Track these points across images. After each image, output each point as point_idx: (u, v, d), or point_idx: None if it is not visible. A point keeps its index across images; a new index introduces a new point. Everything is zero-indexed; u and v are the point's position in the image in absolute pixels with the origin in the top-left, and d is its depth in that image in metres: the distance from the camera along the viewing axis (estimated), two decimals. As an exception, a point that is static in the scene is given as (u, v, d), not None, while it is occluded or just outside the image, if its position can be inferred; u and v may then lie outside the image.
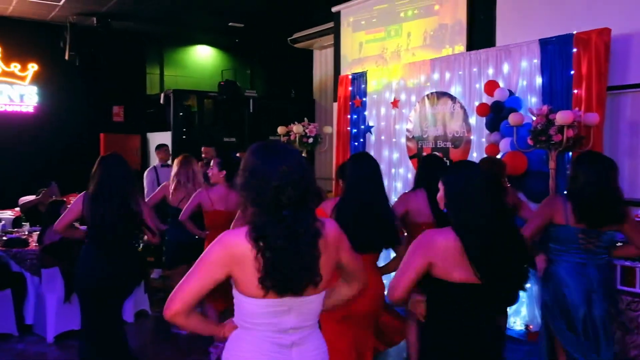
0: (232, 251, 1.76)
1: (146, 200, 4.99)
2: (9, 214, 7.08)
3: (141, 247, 3.96)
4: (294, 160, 1.80)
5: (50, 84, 9.26)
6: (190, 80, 10.83)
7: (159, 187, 4.90)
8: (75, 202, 3.67)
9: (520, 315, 4.79)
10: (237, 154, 6.66)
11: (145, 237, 3.96)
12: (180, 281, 1.81)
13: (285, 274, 1.72)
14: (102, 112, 9.76)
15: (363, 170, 3.11)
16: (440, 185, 2.31)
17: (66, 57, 8.75)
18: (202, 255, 1.81)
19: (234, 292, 1.83)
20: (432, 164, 3.99)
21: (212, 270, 1.77)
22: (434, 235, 2.20)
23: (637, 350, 3.50)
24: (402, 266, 2.23)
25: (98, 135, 9.44)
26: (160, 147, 7.32)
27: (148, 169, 7.37)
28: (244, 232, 1.76)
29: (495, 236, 2.13)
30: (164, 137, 8.68)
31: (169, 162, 7.21)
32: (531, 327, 4.64)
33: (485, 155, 5.09)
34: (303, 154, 6.53)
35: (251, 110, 9.28)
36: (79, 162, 9.04)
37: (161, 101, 9.17)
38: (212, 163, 4.61)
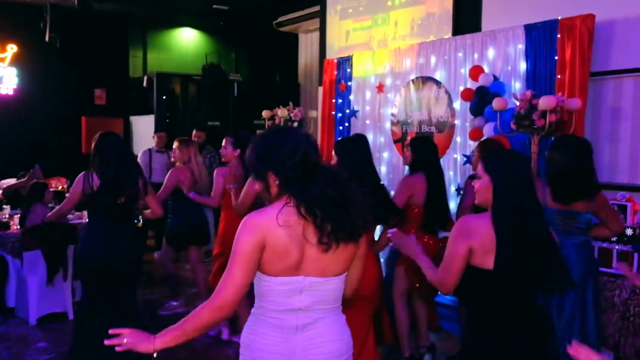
0: (262, 233, 1.78)
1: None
2: (-12, 197, 6.99)
3: (141, 222, 3.98)
4: (305, 132, 2.00)
5: (30, 65, 9.08)
6: (173, 63, 10.71)
7: (169, 174, 4.83)
8: (74, 187, 3.64)
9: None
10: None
11: (147, 212, 4.02)
12: (224, 277, 1.81)
13: (339, 222, 1.80)
14: (83, 95, 9.61)
15: (359, 145, 3.44)
16: (483, 174, 2.25)
17: (46, 39, 8.58)
18: (235, 247, 1.81)
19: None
20: (428, 148, 4.19)
21: (250, 260, 1.79)
22: (473, 220, 2.22)
23: (612, 328, 3.58)
24: (446, 258, 2.20)
25: (80, 118, 9.31)
26: (158, 132, 7.40)
27: (142, 151, 7.40)
28: (271, 212, 1.80)
29: (531, 226, 2.14)
30: (147, 121, 8.61)
31: (163, 149, 7.25)
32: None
33: (469, 140, 5.14)
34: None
35: (235, 94, 9.22)
36: (61, 145, 8.96)
37: (144, 84, 9.06)
38: (224, 142, 4.56)
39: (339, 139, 3.66)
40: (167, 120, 8.89)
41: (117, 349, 1.75)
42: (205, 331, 1.89)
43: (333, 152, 3.39)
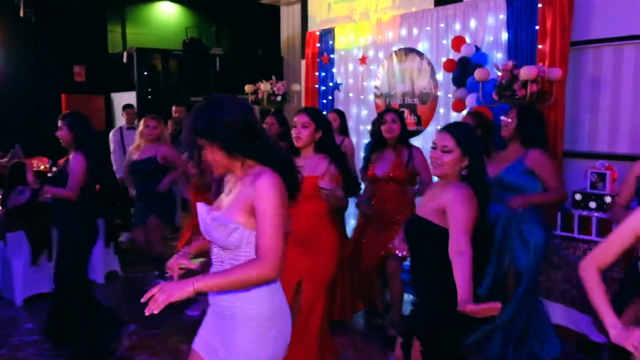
0: (283, 191, 1.88)
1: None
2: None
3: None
4: (238, 98, 2.05)
5: (4, 42, 8.86)
6: (153, 39, 10.52)
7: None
8: (81, 167, 3.61)
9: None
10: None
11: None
12: (270, 241, 1.79)
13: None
14: (62, 72, 9.42)
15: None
16: (455, 148, 2.40)
17: (21, 14, 8.35)
18: (273, 207, 1.82)
19: (251, 233, 1.89)
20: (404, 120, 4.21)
21: (284, 215, 1.85)
22: None
23: (567, 285, 3.69)
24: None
25: (59, 96, 9.15)
26: (126, 108, 7.18)
27: (114, 130, 7.26)
28: (272, 173, 1.87)
29: None
30: (129, 98, 8.48)
31: (135, 123, 7.09)
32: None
33: (452, 112, 5.16)
34: (272, 112, 6.50)
35: (217, 69, 9.09)
36: (40, 124, 8.79)
37: (124, 60, 8.89)
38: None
39: (309, 107, 3.66)
40: (149, 97, 8.77)
41: (155, 311, 1.73)
42: (246, 287, 1.86)
43: (305, 118, 3.14)
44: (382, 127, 4.01)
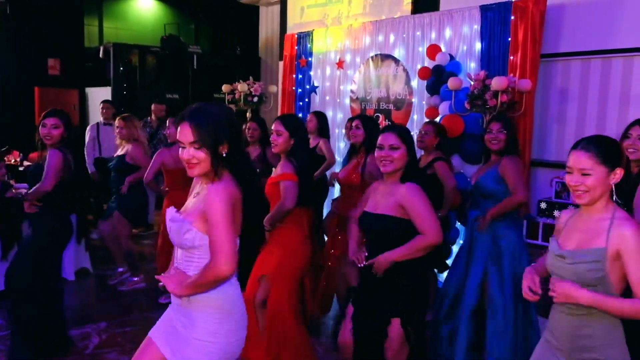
0: (233, 198, 1.95)
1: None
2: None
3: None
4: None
5: (-22, 33, 8.69)
6: (131, 34, 10.41)
7: (156, 155, 4.82)
8: (55, 166, 3.57)
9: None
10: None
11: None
12: (219, 241, 1.90)
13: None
14: (36, 64, 9.26)
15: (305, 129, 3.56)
16: (401, 144, 2.70)
17: (-5, 5, 8.23)
18: (218, 214, 1.91)
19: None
20: (377, 127, 4.23)
21: (231, 220, 1.94)
22: None
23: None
24: None
25: (32, 89, 9.01)
26: (104, 103, 7.08)
27: (90, 125, 7.18)
28: (230, 181, 1.98)
29: None
30: (104, 93, 8.40)
31: (112, 120, 7.03)
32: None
33: (426, 119, 5.26)
34: (248, 113, 6.52)
35: (195, 67, 9.07)
36: (12, 117, 8.67)
37: (100, 55, 8.80)
38: (168, 122, 4.62)
39: (284, 115, 3.69)
40: (125, 92, 8.70)
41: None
42: (210, 288, 2.01)
43: (280, 127, 3.30)
44: (350, 133, 4.12)
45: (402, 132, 2.75)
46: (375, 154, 2.78)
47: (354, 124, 4.10)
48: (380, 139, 2.74)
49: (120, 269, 5.32)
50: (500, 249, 3.45)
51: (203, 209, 1.97)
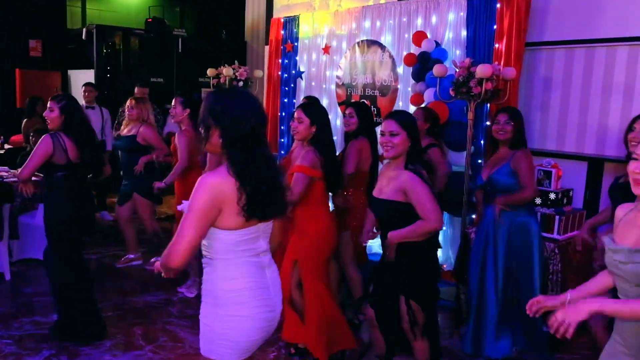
0: (218, 191, 1.92)
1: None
2: None
3: None
4: (259, 103, 2.09)
5: (-43, 12, 8.50)
6: (115, 16, 10.28)
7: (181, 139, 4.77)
8: (41, 147, 3.54)
9: (435, 257, 5.12)
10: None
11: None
12: (178, 234, 1.91)
13: (266, 202, 1.99)
14: (17, 46, 9.10)
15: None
16: (401, 130, 2.81)
17: (-26, -17, 8.04)
18: (191, 205, 1.92)
19: (212, 230, 1.98)
20: (370, 113, 4.29)
21: (205, 217, 1.93)
22: None
23: None
24: None
25: (14, 70, 8.85)
26: (86, 87, 6.97)
27: None
28: (224, 171, 1.94)
29: None
30: (87, 76, 8.28)
31: (95, 104, 6.95)
32: (444, 266, 4.98)
33: (411, 105, 5.27)
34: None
35: (180, 51, 8.97)
36: (-7, 98, 8.53)
37: (83, 37, 8.65)
38: (174, 102, 4.61)
39: (306, 101, 3.67)
40: (108, 75, 8.58)
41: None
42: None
43: (301, 114, 3.38)
44: (343, 121, 4.12)
45: (403, 119, 2.85)
46: (379, 140, 2.97)
47: (347, 112, 4.11)
48: (382, 126, 2.87)
49: (131, 255, 5.43)
50: (527, 236, 3.53)
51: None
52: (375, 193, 2.97)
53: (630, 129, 3.08)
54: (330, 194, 3.78)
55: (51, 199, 3.63)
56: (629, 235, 1.83)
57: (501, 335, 3.61)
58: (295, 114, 3.44)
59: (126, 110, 5.12)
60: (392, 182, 2.84)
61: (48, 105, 3.62)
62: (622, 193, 3.03)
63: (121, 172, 5.31)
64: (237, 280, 2.05)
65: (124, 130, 5.16)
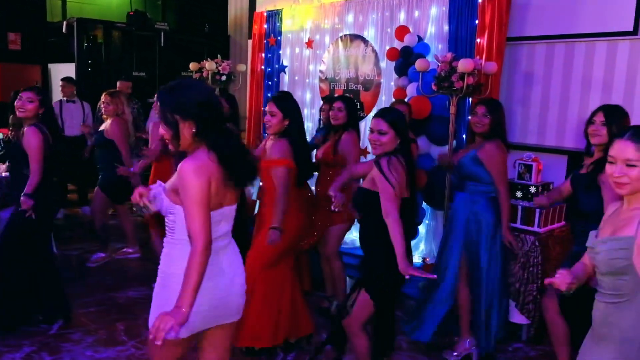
0: (209, 173, 2.00)
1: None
2: None
3: None
4: (205, 82, 2.25)
5: None
6: (96, 9, 10.13)
7: (151, 130, 4.83)
8: (34, 142, 3.54)
9: (418, 250, 5.16)
10: None
11: None
12: (191, 220, 1.96)
13: (242, 170, 2.13)
14: (-5, 38, 8.95)
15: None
16: (389, 130, 2.82)
17: (-49, -25, 7.87)
18: (189, 192, 1.97)
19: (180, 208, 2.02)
20: (355, 106, 4.31)
21: (206, 197, 1.98)
22: None
23: (514, 277, 3.92)
24: None
25: (-8, 64, 8.70)
26: (63, 81, 6.92)
27: (53, 102, 7.00)
28: (204, 156, 2.01)
29: None
30: (68, 69, 8.17)
31: (75, 97, 6.90)
32: (427, 259, 5.02)
33: (393, 99, 5.29)
34: (216, 92, 6.45)
35: (162, 44, 8.89)
36: (-29, 93, 8.37)
37: (64, 30, 8.52)
38: (156, 96, 4.56)
39: (278, 94, 3.67)
40: (90, 69, 8.47)
41: (158, 343, 1.86)
42: (201, 273, 1.99)
43: (274, 108, 3.40)
44: (330, 114, 4.13)
45: (391, 118, 2.87)
46: (368, 136, 3.00)
47: (335, 106, 4.11)
48: (371, 123, 2.90)
49: (130, 249, 5.48)
50: (479, 227, 3.57)
51: (176, 184, 2.07)
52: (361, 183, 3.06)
53: (590, 121, 3.08)
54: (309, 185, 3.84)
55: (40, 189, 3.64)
56: (608, 229, 1.96)
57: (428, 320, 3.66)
58: (268, 107, 3.45)
59: (102, 106, 5.13)
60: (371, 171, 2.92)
61: (25, 96, 3.59)
62: (583, 184, 3.10)
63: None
64: (183, 255, 2.07)
65: (101, 126, 5.21)
